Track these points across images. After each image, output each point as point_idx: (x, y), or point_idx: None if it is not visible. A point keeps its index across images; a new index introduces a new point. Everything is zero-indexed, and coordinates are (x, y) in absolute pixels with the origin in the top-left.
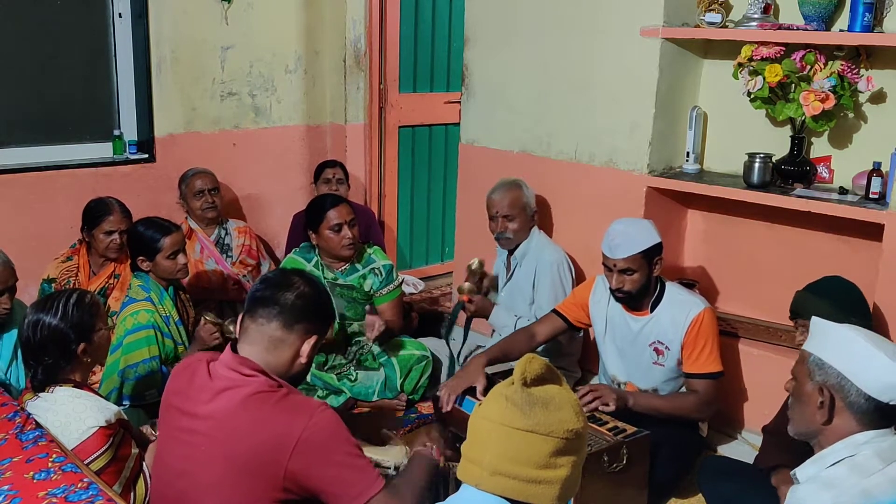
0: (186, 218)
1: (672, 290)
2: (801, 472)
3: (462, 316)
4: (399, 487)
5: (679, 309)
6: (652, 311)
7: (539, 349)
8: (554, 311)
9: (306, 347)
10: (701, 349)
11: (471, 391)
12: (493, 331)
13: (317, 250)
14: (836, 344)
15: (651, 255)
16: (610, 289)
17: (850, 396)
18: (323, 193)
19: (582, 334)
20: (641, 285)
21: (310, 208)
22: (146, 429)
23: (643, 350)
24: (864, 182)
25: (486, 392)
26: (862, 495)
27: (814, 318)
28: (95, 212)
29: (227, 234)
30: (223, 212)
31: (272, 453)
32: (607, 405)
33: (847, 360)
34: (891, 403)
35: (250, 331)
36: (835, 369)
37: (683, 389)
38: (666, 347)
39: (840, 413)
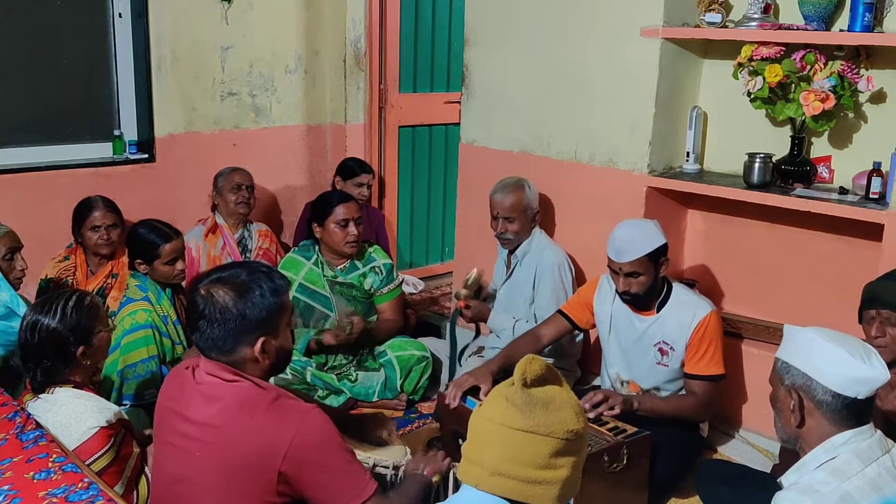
0: (214, 213)
1: (679, 290)
2: (786, 479)
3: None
4: (391, 497)
5: (685, 310)
6: (658, 311)
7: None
8: (559, 311)
9: (259, 353)
10: (704, 351)
11: (474, 391)
12: (490, 332)
13: (317, 247)
14: (799, 346)
15: (657, 256)
16: (617, 291)
17: (817, 395)
18: (335, 190)
19: (582, 337)
20: (648, 287)
21: (318, 201)
22: (149, 431)
23: (647, 350)
24: (864, 182)
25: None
26: (842, 500)
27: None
28: (80, 212)
29: (249, 235)
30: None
31: (264, 459)
32: (613, 409)
33: (809, 359)
34: (858, 398)
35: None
36: (800, 370)
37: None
38: (671, 348)
39: (811, 414)
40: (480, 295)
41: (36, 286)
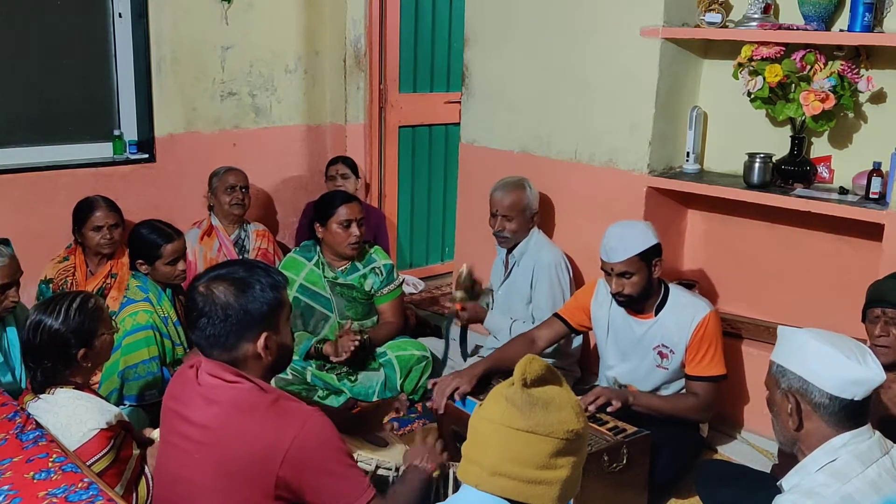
0: (210, 214)
1: (676, 292)
2: (786, 481)
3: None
4: (391, 497)
5: (684, 312)
6: (656, 314)
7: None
8: (555, 315)
9: (262, 349)
10: (705, 352)
11: (473, 392)
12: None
13: (318, 248)
14: (794, 349)
15: (649, 256)
16: (611, 293)
17: (814, 398)
18: (332, 189)
19: (581, 337)
20: (642, 288)
21: (321, 201)
22: (148, 431)
23: (647, 353)
24: (864, 182)
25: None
26: (843, 501)
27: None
28: (81, 211)
29: (246, 235)
30: (247, 214)
31: (263, 462)
32: (611, 405)
33: (805, 362)
34: (855, 399)
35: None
36: (795, 374)
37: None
38: (671, 351)
39: (809, 417)
40: (475, 290)
41: (36, 287)
